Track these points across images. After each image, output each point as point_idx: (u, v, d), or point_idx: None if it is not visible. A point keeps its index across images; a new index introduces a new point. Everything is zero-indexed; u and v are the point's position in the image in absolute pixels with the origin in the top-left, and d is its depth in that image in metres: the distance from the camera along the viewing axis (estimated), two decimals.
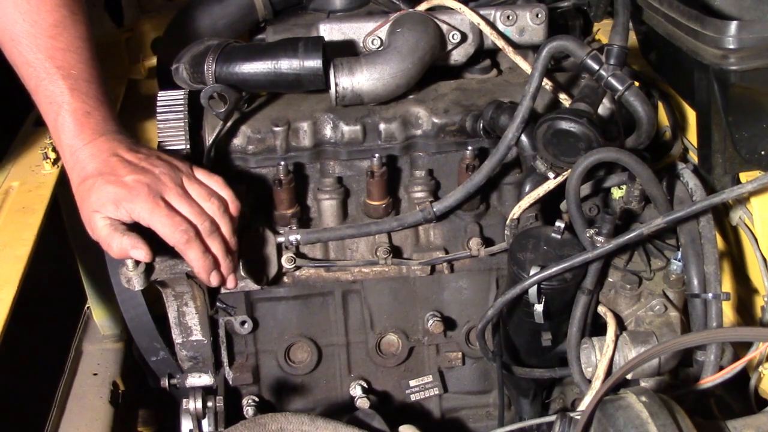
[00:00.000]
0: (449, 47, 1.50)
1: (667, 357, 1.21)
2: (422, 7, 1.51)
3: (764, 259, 1.29)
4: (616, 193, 1.40)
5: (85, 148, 1.18)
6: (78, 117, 1.18)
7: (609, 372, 1.23)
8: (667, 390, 1.23)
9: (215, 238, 1.21)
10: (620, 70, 1.29)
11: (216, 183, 1.25)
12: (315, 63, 1.36)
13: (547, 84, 1.43)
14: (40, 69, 1.18)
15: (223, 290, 1.42)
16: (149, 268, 1.21)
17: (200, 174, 1.25)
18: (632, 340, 1.24)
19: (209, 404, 1.35)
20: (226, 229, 1.23)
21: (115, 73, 2.03)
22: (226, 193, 1.25)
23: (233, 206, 1.26)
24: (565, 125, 1.24)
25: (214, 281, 1.22)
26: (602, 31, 1.75)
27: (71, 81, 1.18)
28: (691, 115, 1.46)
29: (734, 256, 1.40)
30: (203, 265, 1.19)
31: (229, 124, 1.40)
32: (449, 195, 1.41)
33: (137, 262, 1.18)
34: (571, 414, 1.06)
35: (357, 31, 1.51)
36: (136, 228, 1.17)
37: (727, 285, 1.40)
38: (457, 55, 1.52)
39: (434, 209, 1.40)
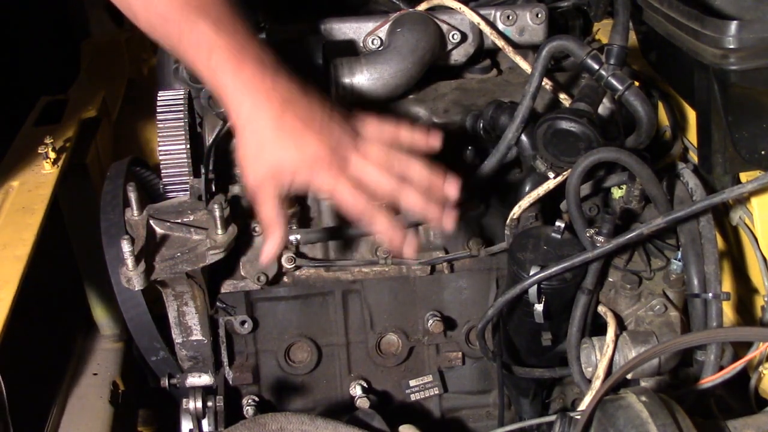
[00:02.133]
0: (449, 47, 1.50)
1: (667, 357, 1.21)
2: (422, 6, 1.51)
3: (764, 259, 1.29)
4: (616, 193, 1.40)
5: (248, 88, 1.10)
6: (231, 53, 1.10)
7: (609, 372, 1.23)
8: (667, 390, 1.23)
9: (409, 188, 1.13)
10: (620, 69, 1.29)
11: (389, 130, 1.18)
12: (315, 63, 1.35)
13: (547, 84, 1.43)
14: (178, 19, 1.11)
15: (223, 290, 1.42)
16: (149, 268, 1.21)
17: (371, 127, 1.18)
18: (632, 340, 1.24)
19: (209, 404, 1.35)
20: (417, 170, 1.15)
21: (115, 73, 2.03)
22: (404, 133, 1.19)
23: (419, 138, 1.19)
24: (565, 125, 1.24)
25: (409, 249, 1.15)
26: (602, 31, 1.75)
27: (213, 20, 1.10)
28: (691, 115, 1.46)
29: (734, 256, 1.40)
30: (395, 234, 1.14)
31: (229, 124, 1.40)
32: None
33: (137, 262, 1.18)
34: (571, 414, 1.06)
35: (357, 31, 1.51)
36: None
37: (727, 285, 1.40)
38: (457, 55, 1.52)
39: None
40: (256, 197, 1.15)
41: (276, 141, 1.10)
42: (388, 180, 1.13)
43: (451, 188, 1.17)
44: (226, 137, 1.41)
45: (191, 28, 1.10)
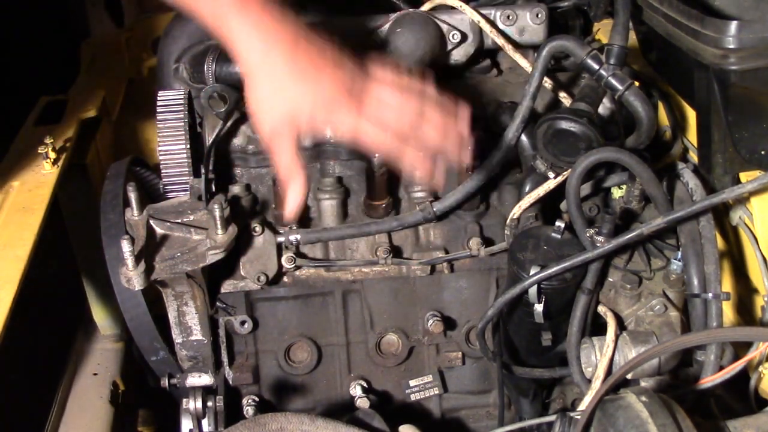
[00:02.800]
0: (449, 47, 1.50)
1: (667, 357, 1.21)
2: (425, 7, 1.51)
3: (764, 259, 1.29)
4: (616, 193, 1.40)
5: (259, 31, 1.05)
6: None
7: (609, 372, 1.23)
8: (667, 390, 1.23)
9: (425, 126, 1.10)
10: (620, 69, 1.29)
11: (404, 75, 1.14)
12: None
13: (547, 84, 1.43)
14: None
15: (223, 290, 1.42)
16: (149, 268, 1.21)
17: (383, 65, 1.15)
18: (632, 340, 1.24)
19: (209, 404, 1.35)
20: (431, 105, 1.12)
21: (115, 73, 2.03)
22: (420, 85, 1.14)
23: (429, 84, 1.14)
24: (565, 125, 1.24)
25: (438, 184, 1.13)
26: (602, 31, 1.75)
27: None
28: (691, 115, 1.46)
29: (734, 256, 1.40)
30: (425, 166, 1.10)
31: (229, 123, 1.40)
32: (449, 195, 1.41)
33: (137, 262, 1.18)
34: (571, 414, 1.06)
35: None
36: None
37: (727, 285, 1.40)
38: (457, 55, 1.52)
39: (434, 209, 1.40)
40: (272, 145, 1.11)
41: (291, 81, 1.06)
42: (407, 115, 1.09)
43: (464, 124, 1.14)
44: (226, 137, 1.41)
45: None
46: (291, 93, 1.06)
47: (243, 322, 1.43)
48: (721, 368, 1.24)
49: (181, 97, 1.41)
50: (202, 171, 1.36)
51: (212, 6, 1.07)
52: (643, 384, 1.25)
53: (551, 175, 1.32)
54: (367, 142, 1.09)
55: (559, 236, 1.28)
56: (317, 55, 1.07)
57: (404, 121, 1.09)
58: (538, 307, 1.24)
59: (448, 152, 1.13)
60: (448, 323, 1.49)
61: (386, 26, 1.48)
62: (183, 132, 1.38)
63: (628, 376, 1.21)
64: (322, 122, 1.08)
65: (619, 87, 1.28)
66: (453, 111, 1.14)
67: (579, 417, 1.03)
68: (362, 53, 1.14)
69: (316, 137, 1.32)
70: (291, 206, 1.13)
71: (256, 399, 1.46)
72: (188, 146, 1.38)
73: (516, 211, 1.38)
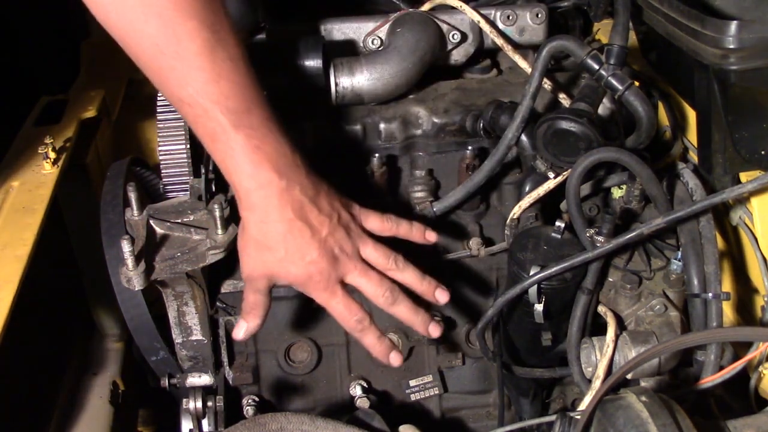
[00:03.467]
0: (449, 47, 1.50)
1: (667, 357, 1.21)
2: (425, 7, 1.51)
3: (764, 259, 1.29)
4: (616, 193, 1.40)
5: (263, 193, 1.10)
6: (248, 154, 1.07)
7: (609, 372, 1.23)
8: (667, 390, 1.23)
9: (399, 303, 1.20)
10: (620, 69, 1.29)
11: (389, 226, 1.24)
12: (315, 63, 1.36)
13: (547, 84, 1.43)
14: (195, 105, 1.05)
15: (223, 290, 1.42)
16: (149, 268, 1.21)
17: (373, 222, 1.23)
18: (632, 340, 1.24)
19: (209, 404, 1.35)
20: (411, 278, 1.22)
21: (115, 73, 2.02)
22: (403, 229, 1.25)
23: (416, 234, 1.26)
24: (565, 125, 1.24)
25: (394, 362, 1.22)
26: (602, 31, 1.75)
27: (231, 115, 1.06)
28: (691, 115, 1.46)
29: (734, 256, 1.40)
30: (380, 350, 1.21)
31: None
32: (449, 195, 1.41)
33: (137, 262, 1.18)
34: (571, 414, 1.06)
35: (357, 31, 1.51)
36: None
37: (727, 285, 1.40)
38: (457, 55, 1.52)
39: (434, 209, 1.40)
40: (246, 283, 1.19)
41: (280, 249, 1.14)
42: (382, 292, 1.19)
43: (442, 295, 1.24)
44: None
45: (208, 119, 1.06)
46: (274, 262, 1.15)
47: None
48: (721, 368, 1.24)
49: None
50: (202, 171, 1.36)
51: (221, 152, 1.09)
52: (643, 384, 1.25)
53: (551, 175, 1.32)
54: (334, 316, 1.19)
55: (559, 236, 1.28)
56: (311, 234, 1.14)
57: (377, 301, 1.20)
58: (538, 307, 1.24)
59: (417, 328, 1.24)
60: (448, 323, 1.49)
61: (386, 26, 1.48)
62: (183, 132, 1.38)
63: (628, 376, 1.21)
64: (298, 289, 1.19)
65: (619, 87, 1.28)
66: (431, 290, 1.24)
67: (579, 417, 1.03)
68: (357, 209, 1.22)
69: None
70: (238, 334, 1.19)
71: (256, 399, 1.46)
72: (188, 146, 1.38)
73: (516, 211, 1.38)
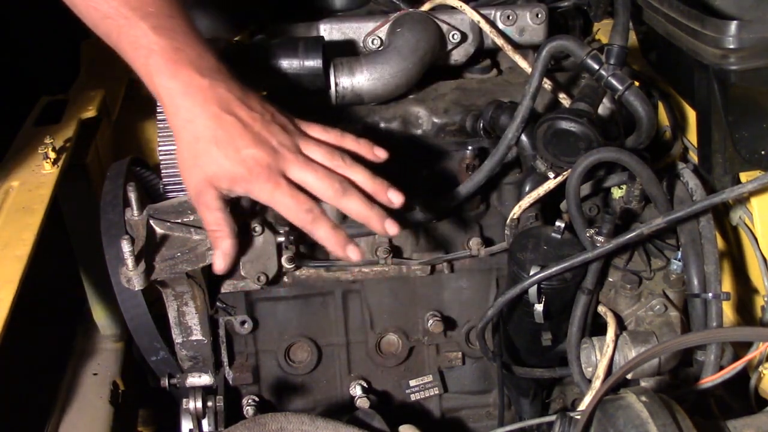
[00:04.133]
0: (449, 47, 1.50)
1: (667, 357, 1.21)
2: (425, 7, 1.51)
3: (764, 259, 1.29)
4: (616, 193, 1.40)
5: (187, 92, 1.08)
6: (169, 55, 1.07)
7: (609, 372, 1.23)
8: (667, 390, 1.23)
9: (350, 194, 1.11)
10: (620, 69, 1.29)
11: (334, 135, 1.18)
12: (315, 63, 1.36)
13: (547, 84, 1.43)
14: (117, 16, 1.08)
15: (223, 290, 1.42)
16: (149, 268, 1.21)
17: (315, 130, 1.18)
18: (632, 340, 1.24)
19: (209, 404, 1.35)
20: (361, 176, 1.14)
21: (115, 73, 2.02)
22: (349, 142, 1.18)
23: (364, 148, 1.19)
24: (565, 125, 1.24)
25: (353, 255, 1.12)
26: (602, 31, 1.75)
27: (152, 20, 1.08)
28: (691, 115, 1.46)
29: (734, 256, 1.40)
30: (336, 241, 1.11)
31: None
32: (449, 195, 1.41)
33: (137, 262, 1.18)
34: (571, 414, 1.06)
35: (357, 31, 1.51)
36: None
37: (727, 285, 1.40)
38: (457, 55, 1.52)
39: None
40: (196, 204, 1.15)
41: (213, 146, 1.08)
42: (330, 185, 1.11)
43: (395, 195, 1.16)
44: None
45: (130, 26, 1.08)
46: (211, 158, 1.09)
47: (243, 322, 1.43)
48: (721, 368, 1.24)
49: None
50: None
51: (145, 60, 1.09)
52: (643, 384, 1.25)
53: (551, 175, 1.32)
54: (282, 212, 1.12)
55: (559, 236, 1.28)
56: (244, 119, 1.10)
57: (324, 194, 1.11)
58: (538, 307, 1.24)
59: (372, 225, 1.13)
60: (448, 323, 1.49)
61: (386, 26, 1.48)
62: None
63: (628, 376, 1.21)
64: (242, 189, 1.11)
65: (619, 87, 1.28)
66: (383, 184, 1.15)
67: (579, 417, 1.03)
68: (302, 116, 1.17)
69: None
70: (218, 264, 1.16)
71: (256, 399, 1.46)
72: None
73: (516, 211, 1.38)
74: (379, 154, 1.20)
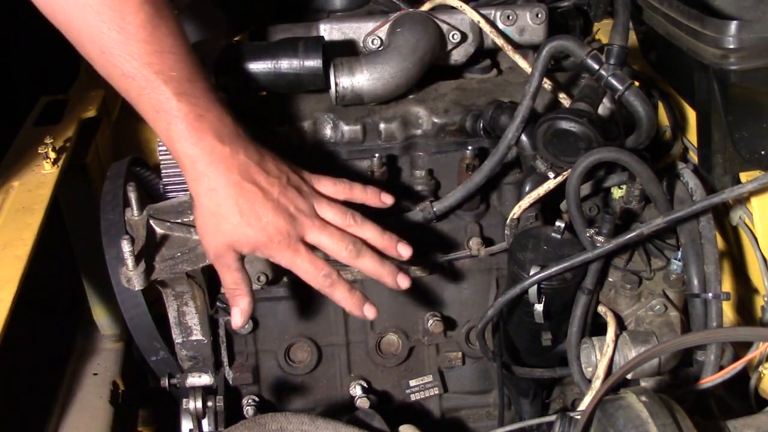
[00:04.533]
0: (449, 47, 1.50)
1: (667, 357, 1.21)
2: (425, 7, 1.51)
3: (764, 259, 1.29)
4: (616, 193, 1.40)
5: (207, 159, 1.10)
6: (191, 122, 1.09)
7: (609, 372, 1.23)
8: (667, 390, 1.23)
9: (363, 255, 1.18)
10: (620, 69, 1.29)
11: (343, 188, 1.23)
12: (315, 63, 1.36)
13: (547, 84, 1.43)
14: (138, 78, 1.08)
15: (223, 290, 1.42)
16: (149, 268, 1.21)
17: (325, 185, 1.22)
18: (632, 340, 1.24)
19: (209, 404, 1.35)
20: (371, 233, 1.20)
21: None
22: (357, 193, 1.24)
23: (372, 197, 1.25)
24: (565, 125, 1.24)
25: (369, 315, 1.20)
26: (602, 31, 1.75)
27: (174, 84, 1.09)
28: (691, 115, 1.46)
29: (734, 256, 1.40)
30: (353, 303, 1.19)
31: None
32: (449, 195, 1.41)
33: (137, 262, 1.18)
34: (571, 414, 1.06)
35: (357, 31, 1.51)
36: None
37: (727, 285, 1.40)
38: (457, 55, 1.52)
39: (434, 209, 1.40)
40: (216, 266, 1.19)
41: (235, 214, 1.12)
42: (344, 246, 1.17)
43: (404, 249, 1.22)
44: None
45: (152, 89, 1.09)
46: (233, 226, 1.12)
47: None
48: (721, 368, 1.24)
49: None
50: None
51: (167, 126, 1.10)
52: (643, 384, 1.25)
53: (551, 175, 1.32)
54: (301, 276, 1.17)
55: (559, 236, 1.28)
56: (263, 185, 1.13)
57: (340, 256, 1.18)
58: (538, 307, 1.24)
59: (385, 281, 1.21)
60: (448, 323, 1.49)
61: (386, 26, 1.48)
62: None
63: (628, 376, 1.21)
64: (261, 255, 1.16)
65: (619, 87, 1.28)
66: (392, 240, 1.22)
67: (579, 417, 1.03)
68: (308, 174, 1.22)
69: None
70: (236, 320, 1.21)
71: (256, 399, 1.46)
72: None
73: (516, 211, 1.38)
74: (386, 200, 1.27)
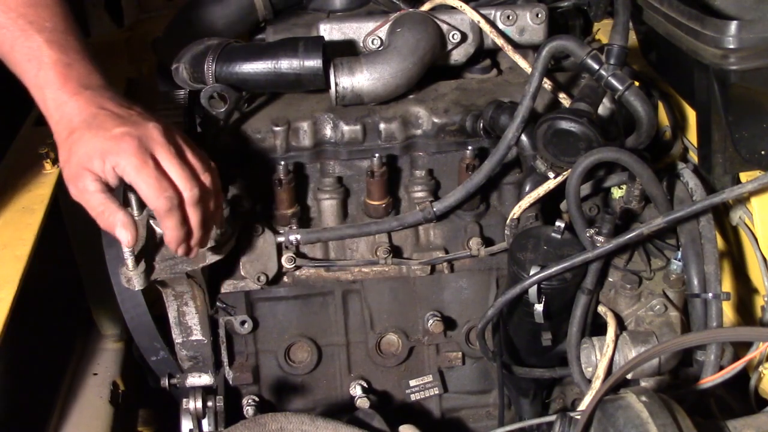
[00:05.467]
0: (449, 47, 1.50)
1: (667, 357, 1.21)
2: (425, 7, 1.51)
3: (764, 259, 1.29)
4: (616, 193, 1.40)
5: (70, 100, 1.12)
6: (59, 68, 1.12)
7: (609, 372, 1.23)
8: (667, 390, 1.23)
9: (198, 208, 1.14)
10: (620, 69, 1.29)
11: (206, 160, 1.19)
12: (315, 63, 1.36)
13: (547, 84, 1.43)
14: (12, 28, 1.13)
15: (223, 290, 1.42)
16: (149, 268, 1.21)
17: (191, 145, 1.19)
18: (632, 340, 1.24)
19: (209, 404, 1.35)
20: (214, 202, 1.18)
21: (115, 73, 2.02)
22: (213, 172, 1.20)
23: (217, 185, 1.20)
24: (565, 125, 1.24)
25: (180, 251, 1.16)
26: (602, 31, 1.75)
27: (46, 34, 1.13)
28: (691, 115, 1.46)
29: (734, 256, 1.40)
30: (175, 235, 1.13)
31: (229, 124, 1.40)
32: (449, 195, 1.41)
33: (137, 262, 1.18)
34: (571, 414, 1.06)
35: (357, 31, 1.51)
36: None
37: (727, 285, 1.40)
38: (457, 55, 1.52)
39: (434, 209, 1.40)
40: (77, 195, 1.13)
41: (84, 131, 1.10)
42: (191, 186, 1.12)
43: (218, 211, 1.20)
44: (226, 137, 1.41)
45: (25, 38, 1.13)
46: (81, 145, 1.10)
47: (243, 322, 1.43)
48: (721, 368, 1.24)
49: (181, 97, 1.41)
50: None
51: (36, 73, 1.13)
52: (643, 384, 1.25)
53: (551, 175, 1.32)
54: (142, 192, 1.11)
55: (559, 236, 1.28)
56: (115, 116, 1.12)
57: (180, 190, 1.12)
58: (538, 307, 1.24)
59: (170, 244, 1.16)
60: (448, 323, 1.49)
61: (386, 26, 1.48)
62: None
63: (628, 376, 1.21)
64: (110, 165, 1.09)
65: (619, 87, 1.28)
66: (218, 200, 1.19)
67: (579, 417, 1.03)
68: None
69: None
70: (124, 237, 1.12)
71: (256, 399, 1.46)
72: None
73: (516, 211, 1.38)
74: (205, 180, 1.18)
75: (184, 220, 1.13)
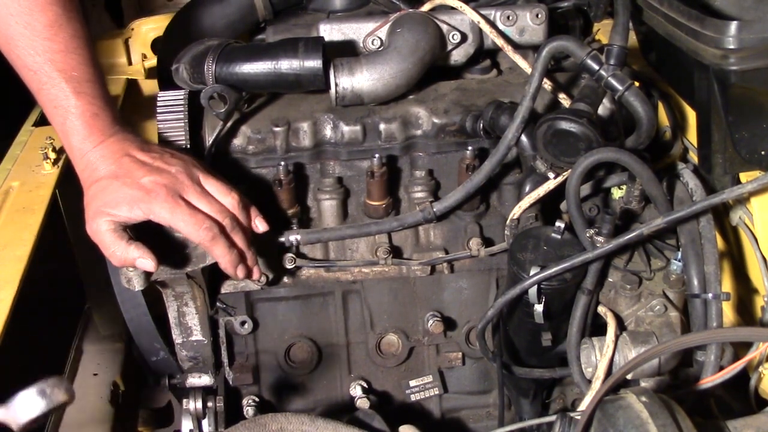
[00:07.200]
0: (449, 47, 1.50)
1: (667, 357, 1.21)
2: (425, 7, 1.51)
3: (764, 259, 1.29)
4: (616, 193, 1.40)
5: (95, 150, 1.17)
6: (86, 119, 1.17)
7: (609, 372, 1.23)
8: (667, 390, 1.23)
9: (238, 232, 1.22)
10: (620, 70, 1.29)
11: (226, 190, 1.25)
12: (315, 63, 1.36)
13: (547, 84, 1.43)
14: (40, 73, 1.16)
15: (223, 290, 1.42)
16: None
17: (210, 182, 1.25)
18: (632, 340, 1.24)
19: (209, 404, 1.35)
20: (246, 223, 1.25)
21: (115, 73, 2.02)
22: (234, 204, 1.26)
23: (244, 216, 1.26)
24: (565, 125, 1.24)
25: (240, 274, 1.23)
26: (602, 31, 1.75)
27: (74, 84, 1.16)
28: (691, 115, 1.46)
29: (734, 256, 1.40)
30: (230, 260, 1.20)
31: (229, 124, 1.40)
32: (449, 195, 1.41)
33: None
34: (571, 414, 1.06)
35: (357, 31, 1.51)
36: (138, 234, 1.17)
37: (727, 285, 1.40)
38: (457, 55, 1.52)
39: (434, 209, 1.40)
40: (100, 243, 1.16)
41: (112, 180, 1.16)
42: (222, 218, 1.20)
43: (261, 224, 1.28)
44: (226, 137, 1.41)
45: (52, 86, 1.16)
46: (108, 192, 1.15)
47: (243, 323, 1.43)
48: (721, 368, 1.24)
49: (181, 97, 1.41)
50: None
51: (63, 120, 1.17)
52: (643, 384, 1.25)
53: (551, 175, 1.32)
54: (182, 231, 1.18)
55: (559, 236, 1.28)
56: (140, 163, 1.18)
57: (216, 220, 1.20)
58: (538, 308, 1.24)
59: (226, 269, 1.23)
60: (448, 323, 1.49)
61: (386, 26, 1.48)
62: (183, 132, 1.38)
63: (628, 377, 1.21)
64: (141, 213, 1.15)
65: (619, 87, 1.28)
66: (250, 217, 1.27)
67: (579, 417, 1.03)
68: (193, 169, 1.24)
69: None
70: (149, 267, 1.16)
71: (256, 399, 1.46)
72: (188, 146, 1.38)
73: (516, 211, 1.38)
74: (259, 226, 1.28)
75: (231, 244, 1.20)
